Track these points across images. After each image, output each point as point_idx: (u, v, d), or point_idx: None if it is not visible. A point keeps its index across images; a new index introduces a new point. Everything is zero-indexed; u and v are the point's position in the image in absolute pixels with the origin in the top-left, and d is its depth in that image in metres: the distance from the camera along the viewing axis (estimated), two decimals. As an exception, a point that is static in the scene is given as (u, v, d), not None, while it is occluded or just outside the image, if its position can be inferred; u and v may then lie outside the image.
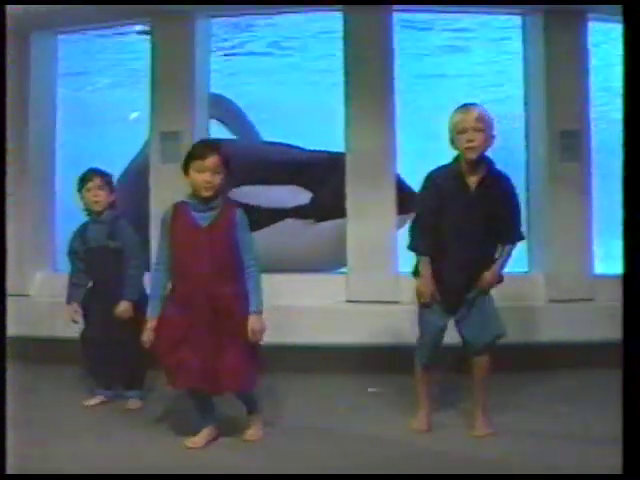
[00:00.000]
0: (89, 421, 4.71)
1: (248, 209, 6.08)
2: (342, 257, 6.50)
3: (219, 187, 4.11)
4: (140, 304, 4.65)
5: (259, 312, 4.04)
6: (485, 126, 4.24)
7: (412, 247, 4.43)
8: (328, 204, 6.68)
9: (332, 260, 6.79)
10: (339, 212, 6.52)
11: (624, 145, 3.00)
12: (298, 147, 7.33)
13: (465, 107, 4.31)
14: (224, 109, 8.18)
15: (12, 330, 5.63)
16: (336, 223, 6.61)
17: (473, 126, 4.21)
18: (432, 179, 4.39)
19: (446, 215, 4.29)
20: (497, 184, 4.33)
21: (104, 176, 5.17)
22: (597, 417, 4.57)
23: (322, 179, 6.76)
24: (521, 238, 4.47)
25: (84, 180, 5.13)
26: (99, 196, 5.09)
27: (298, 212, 6.77)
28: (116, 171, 8.11)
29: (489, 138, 4.27)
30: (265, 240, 6.56)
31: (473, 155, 4.23)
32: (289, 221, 6.78)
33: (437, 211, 4.30)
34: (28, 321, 6.43)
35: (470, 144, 4.21)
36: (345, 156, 6.52)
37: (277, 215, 6.76)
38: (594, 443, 4.10)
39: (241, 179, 6.51)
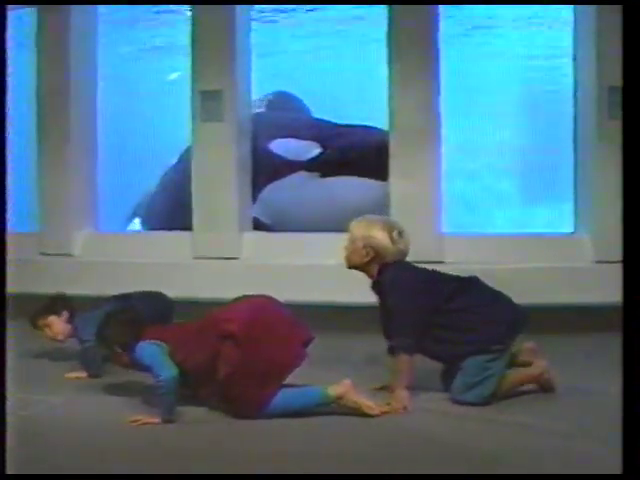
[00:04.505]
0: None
1: (276, 159, 7.14)
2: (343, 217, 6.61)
3: None
4: None
5: None
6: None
7: None
8: (333, 160, 7.07)
9: (332, 219, 6.91)
10: (343, 169, 6.97)
11: (623, 145, 2.88)
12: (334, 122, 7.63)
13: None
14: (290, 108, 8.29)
15: (55, 289, 5.72)
16: (339, 180, 7.02)
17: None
18: None
19: None
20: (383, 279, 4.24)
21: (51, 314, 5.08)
22: None
23: (334, 138, 7.22)
24: (393, 349, 4.10)
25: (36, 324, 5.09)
26: (55, 333, 5.04)
27: (309, 165, 7.20)
28: (153, 134, 8.22)
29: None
30: (279, 192, 7.19)
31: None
32: (301, 173, 7.20)
33: None
34: (71, 280, 6.49)
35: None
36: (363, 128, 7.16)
37: (294, 166, 7.21)
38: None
39: (279, 135, 7.30)
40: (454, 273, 4.49)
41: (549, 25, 8.70)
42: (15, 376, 4.45)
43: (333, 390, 3.90)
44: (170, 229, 7.07)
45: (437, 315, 4.17)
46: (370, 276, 4.29)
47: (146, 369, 3.96)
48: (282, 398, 3.88)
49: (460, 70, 7.38)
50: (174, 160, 7.94)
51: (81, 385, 4.68)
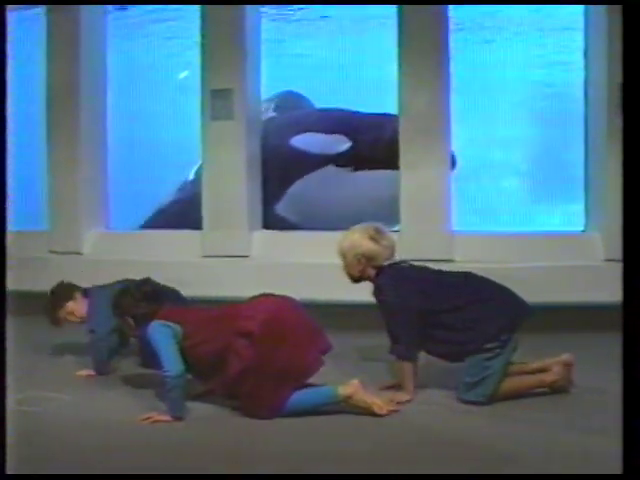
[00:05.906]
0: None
1: (300, 154, 6.99)
2: (374, 211, 6.54)
3: None
4: None
5: None
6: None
7: None
8: (365, 154, 6.95)
9: (367, 212, 6.85)
10: (375, 163, 6.84)
11: (623, 145, 2.86)
12: (356, 112, 7.46)
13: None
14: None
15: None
16: (371, 174, 6.92)
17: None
18: None
19: None
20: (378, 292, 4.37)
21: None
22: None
23: (363, 131, 7.05)
24: (398, 355, 4.26)
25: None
26: (79, 315, 4.97)
27: (338, 160, 7.06)
28: (164, 133, 8.21)
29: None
30: (309, 187, 7.12)
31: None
32: (330, 168, 7.07)
33: None
34: (81, 278, 6.49)
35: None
36: (390, 117, 6.77)
37: (321, 161, 7.09)
38: None
39: (298, 130, 7.21)
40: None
41: (560, 23, 8.68)
42: (27, 373, 4.50)
43: (343, 390, 3.90)
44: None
45: (434, 316, 4.23)
46: (371, 281, 4.40)
47: (153, 353, 3.94)
48: (294, 398, 3.88)
49: (470, 68, 7.37)
50: (191, 176, 7.86)
51: (91, 382, 4.70)
